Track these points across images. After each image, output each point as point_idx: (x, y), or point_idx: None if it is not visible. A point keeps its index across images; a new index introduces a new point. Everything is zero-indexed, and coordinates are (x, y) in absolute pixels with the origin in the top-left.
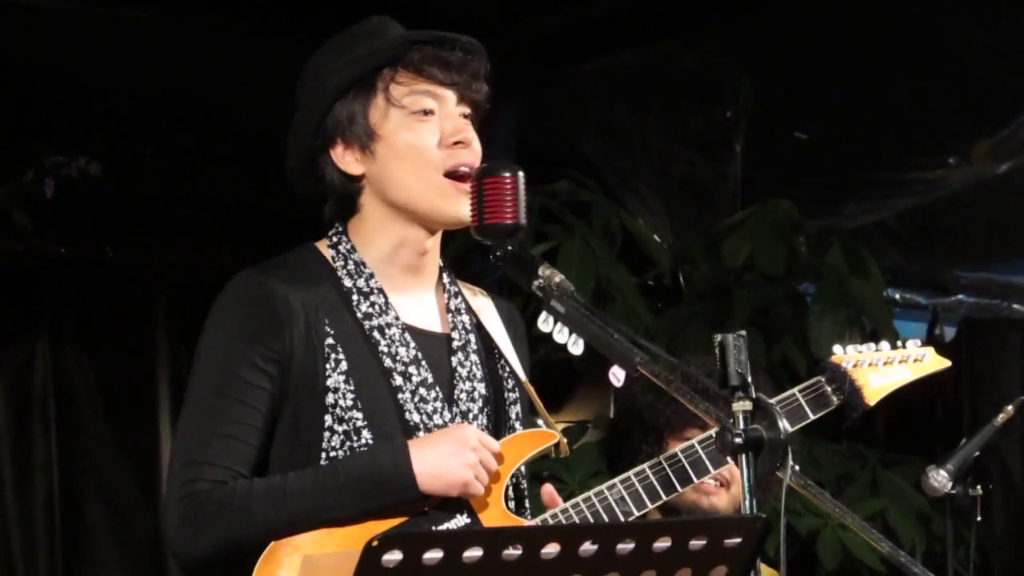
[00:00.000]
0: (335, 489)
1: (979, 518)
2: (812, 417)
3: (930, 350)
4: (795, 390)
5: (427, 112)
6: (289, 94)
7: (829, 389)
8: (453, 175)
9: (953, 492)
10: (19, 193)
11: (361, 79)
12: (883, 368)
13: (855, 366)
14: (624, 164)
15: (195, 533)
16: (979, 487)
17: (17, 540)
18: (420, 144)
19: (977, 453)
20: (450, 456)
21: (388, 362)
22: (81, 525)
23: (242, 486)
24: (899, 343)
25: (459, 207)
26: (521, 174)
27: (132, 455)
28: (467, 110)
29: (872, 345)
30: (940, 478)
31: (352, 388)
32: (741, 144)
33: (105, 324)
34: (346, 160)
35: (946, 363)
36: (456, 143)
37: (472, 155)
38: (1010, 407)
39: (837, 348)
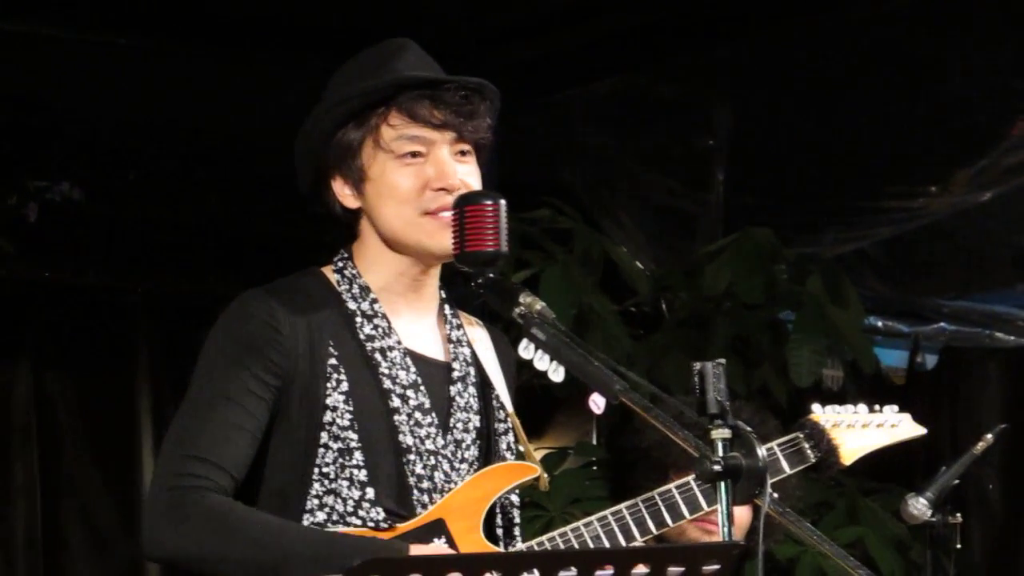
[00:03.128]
0: (325, 558)
1: (958, 546)
2: (788, 472)
3: (906, 416)
4: (774, 444)
5: (415, 155)
6: (274, 120)
7: (807, 446)
8: (433, 215)
9: (932, 520)
10: (1, 218)
11: (358, 114)
12: (860, 430)
13: (833, 426)
14: (605, 192)
15: (174, 527)
16: (958, 515)
17: None
18: (402, 188)
19: (956, 481)
20: None
21: (387, 384)
22: (62, 549)
23: (240, 509)
24: (876, 407)
25: (443, 240)
26: (503, 202)
27: (113, 480)
28: (466, 147)
29: (850, 407)
30: (919, 506)
31: (350, 408)
32: (721, 172)
33: (87, 349)
34: (344, 193)
35: (921, 430)
36: (439, 189)
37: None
38: (989, 435)
39: (816, 407)
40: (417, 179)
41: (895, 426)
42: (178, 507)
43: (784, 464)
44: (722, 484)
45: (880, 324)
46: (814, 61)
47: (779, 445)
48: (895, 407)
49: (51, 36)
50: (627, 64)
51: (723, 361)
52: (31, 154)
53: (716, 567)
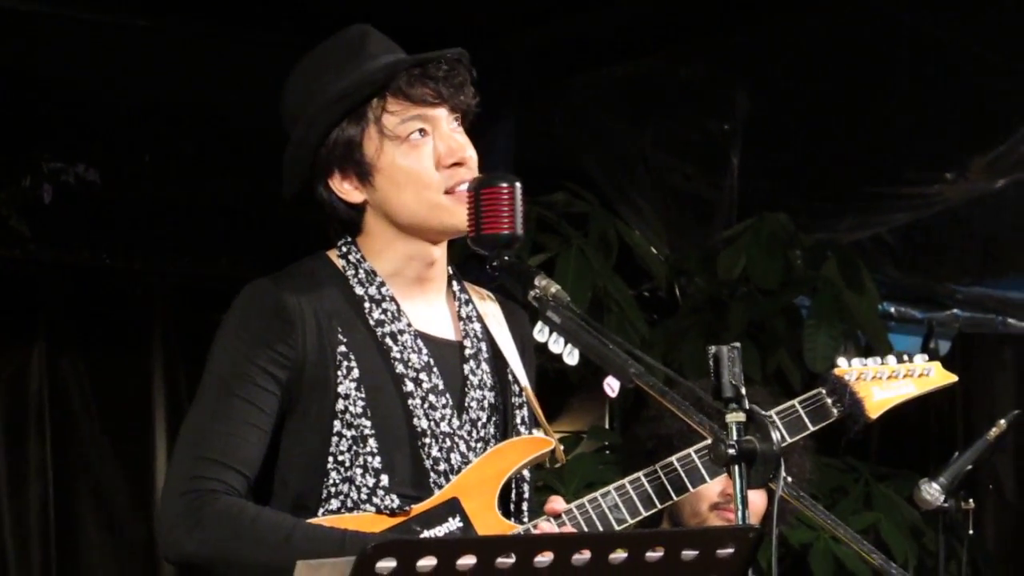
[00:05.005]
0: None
1: (971, 532)
2: (811, 428)
3: (936, 365)
4: (795, 401)
5: (422, 132)
6: None
7: (829, 401)
8: (452, 192)
9: (946, 506)
10: (17, 199)
11: (352, 109)
12: (887, 382)
13: (858, 379)
14: (621, 176)
15: (189, 530)
16: (971, 501)
17: (11, 545)
18: (418, 170)
19: (970, 467)
20: None
21: (400, 368)
22: (75, 531)
23: (251, 510)
24: (905, 357)
25: (465, 216)
26: (519, 185)
27: (127, 461)
28: (459, 117)
29: (877, 359)
30: (933, 492)
31: (363, 395)
32: (738, 157)
33: (101, 331)
34: (345, 189)
35: (952, 378)
36: (453, 164)
37: (469, 172)
38: (1003, 421)
39: (841, 361)
40: (431, 158)
41: (924, 375)
42: (191, 512)
43: (807, 421)
44: (737, 468)
45: (894, 310)
46: (831, 47)
47: (800, 402)
48: (924, 356)
49: (68, 17)
50: (644, 48)
51: (738, 345)
52: (46, 136)
53: (731, 551)
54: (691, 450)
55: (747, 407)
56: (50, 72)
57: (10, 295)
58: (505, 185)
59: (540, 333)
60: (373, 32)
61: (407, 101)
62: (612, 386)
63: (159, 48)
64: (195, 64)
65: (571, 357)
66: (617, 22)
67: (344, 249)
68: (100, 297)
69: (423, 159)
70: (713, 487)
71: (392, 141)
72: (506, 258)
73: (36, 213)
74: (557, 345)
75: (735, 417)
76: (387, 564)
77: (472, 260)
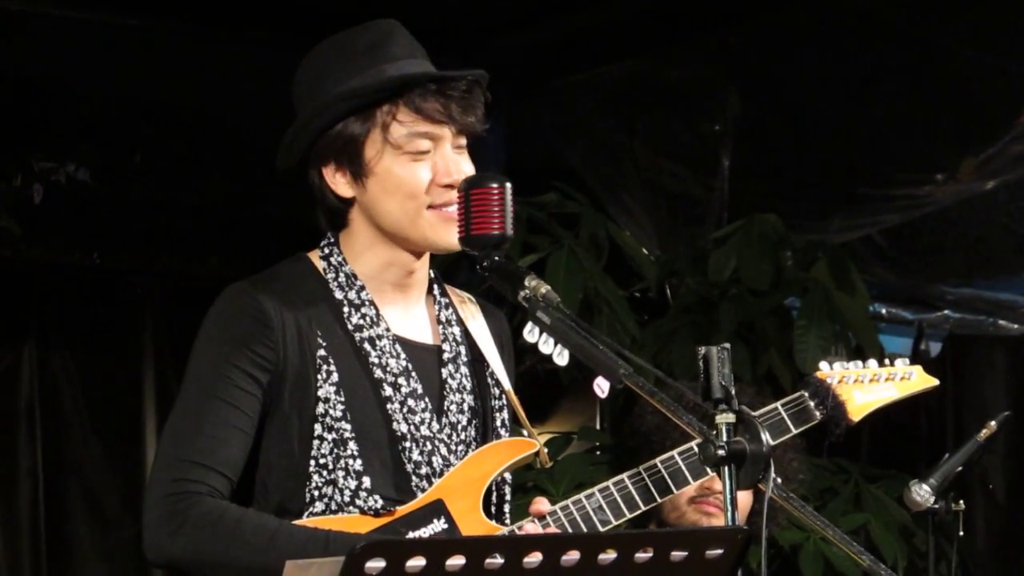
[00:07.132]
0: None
1: (961, 533)
2: (794, 431)
3: (918, 368)
4: (777, 404)
5: (424, 148)
6: (279, 103)
7: (812, 404)
8: (439, 208)
9: (936, 507)
10: (7, 199)
11: (362, 107)
12: (868, 385)
13: (840, 382)
14: (612, 176)
15: (173, 532)
16: (961, 502)
17: (1, 545)
18: (411, 183)
19: (960, 468)
20: None
21: (378, 373)
22: (65, 531)
23: (234, 512)
24: (887, 360)
25: (448, 236)
26: (508, 185)
27: (117, 461)
28: (464, 140)
29: (859, 362)
30: (923, 493)
31: (342, 399)
32: (728, 157)
33: (92, 331)
34: (337, 181)
35: (933, 382)
36: (446, 185)
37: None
38: (993, 423)
39: (823, 364)
40: (427, 174)
41: (906, 378)
42: (175, 514)
43: (789, 424)
44: (726, 469)
45: (884, 311)
46: (822, 48)
47: (783, 405)
48: (906, 359)
49: (59, 17)
50: (635, 49)
51: (727, 346)
52: (37, 135)
53: (720, 552)
54: (675, 452)
55: (737, 408)
56: (41, 72)
57: (0, 295)
58: (495, 185)
59: (530, 334)
60: (399, 31)
61: (417, 114)
62: (602, 387)
63: (150, 48)
64: (186, 64)
65: (561, 358)
66: (608, 23)
67: (326, 251)
68: (91, 296)
69: (418, 172)
70: None
71: (395, 149)
72: (496, 258)
73: (27, 213)
74: (547, 346)
75: (725, 418)
76: (376, 564)
77: (463, 261)
